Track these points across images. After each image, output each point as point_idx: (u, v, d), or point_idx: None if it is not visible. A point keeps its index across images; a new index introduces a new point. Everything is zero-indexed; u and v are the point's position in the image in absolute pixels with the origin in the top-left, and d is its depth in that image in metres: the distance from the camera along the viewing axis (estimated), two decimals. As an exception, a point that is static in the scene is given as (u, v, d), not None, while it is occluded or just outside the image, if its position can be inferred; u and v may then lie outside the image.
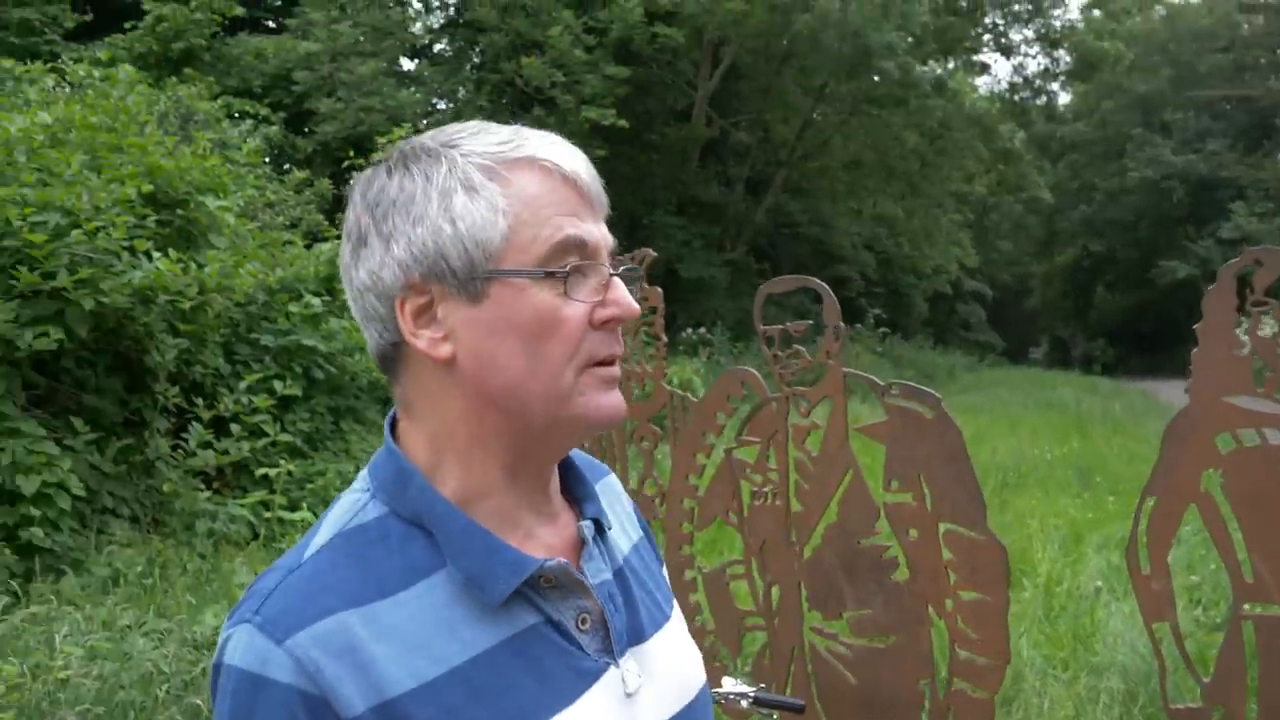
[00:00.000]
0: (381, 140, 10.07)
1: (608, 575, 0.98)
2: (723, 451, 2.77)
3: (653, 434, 3.53)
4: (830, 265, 27.03)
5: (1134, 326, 35.39)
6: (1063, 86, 35.80)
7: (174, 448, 6.03)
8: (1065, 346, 43.31)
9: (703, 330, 17.37)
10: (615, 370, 0.94)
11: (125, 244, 5.42)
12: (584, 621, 0.93)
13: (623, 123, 16.08)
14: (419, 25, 20.57)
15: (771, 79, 22.07)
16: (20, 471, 4.87)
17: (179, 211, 6.35)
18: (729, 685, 2.06)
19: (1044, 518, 7.35)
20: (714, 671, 2.98)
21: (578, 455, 1.06)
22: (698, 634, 3.05)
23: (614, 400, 0.93)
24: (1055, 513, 7.51)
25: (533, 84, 16.57)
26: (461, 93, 18.73)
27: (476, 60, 19.23)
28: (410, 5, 20.24)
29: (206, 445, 5.86)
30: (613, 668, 0.93)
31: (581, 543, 0.97)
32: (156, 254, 5.58)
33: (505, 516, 0.92)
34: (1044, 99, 33.83)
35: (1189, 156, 31.58)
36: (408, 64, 19.80)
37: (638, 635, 0.98)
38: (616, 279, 0.92)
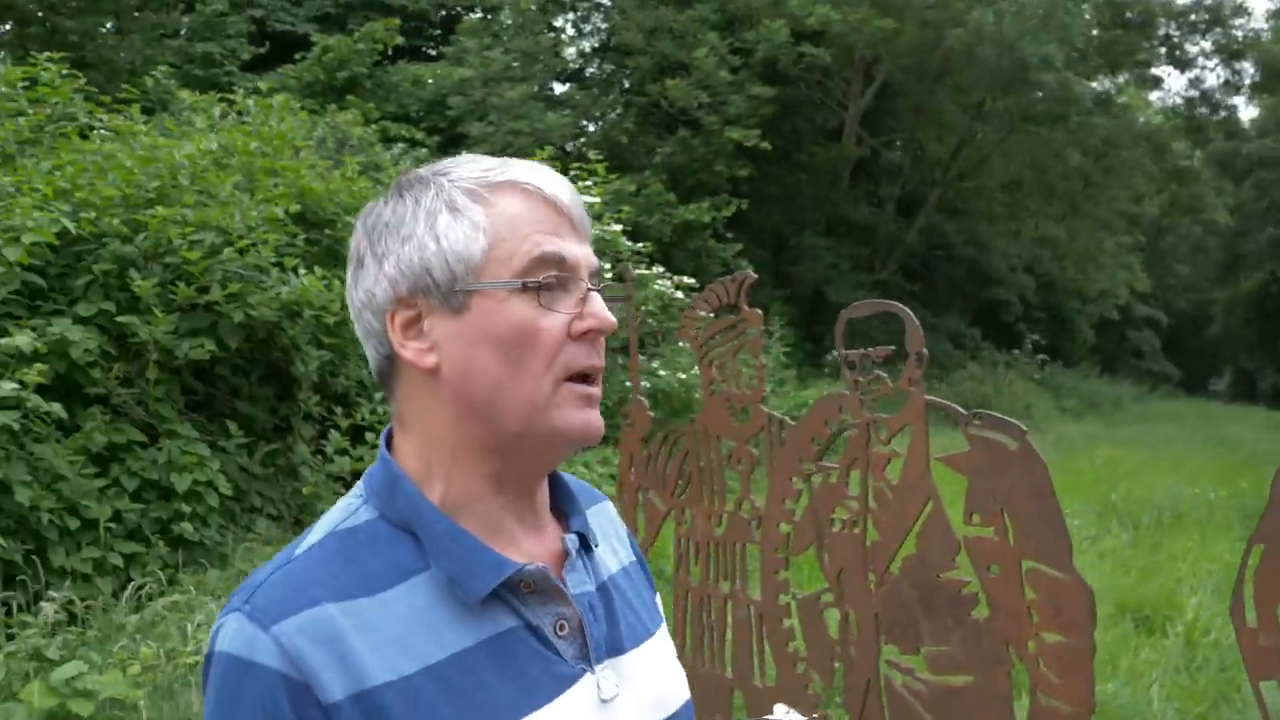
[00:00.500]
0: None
1: (590, 588, 1.01)
2: (806, 479, 2.73)
3: (749, 457, 3.51)
4: (987, 288, 26.16)
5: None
6: (1248, 100, 33.62)
7: (315, 453, 6.37)
8: (1250, 378, 40.52)
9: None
10: (594, 390, 0.97)
11: (274, 261, 5.77)
12: (562, 628, 0.95)
13: (765, 144, 16.02)
14: (571, 50, 21.10)
15: (925, 96, 21.59)
16: (175, 470, 5.24)
17: (326, 231, 6.72)
18: (780, 713, 2.03)
19: (1196, 561, 6.90)
20: (806, 699, 2.94)
21: (573, 481, 1.10)
22: (790, 660, 3.01)
23: (589, 417, 0.96)
24: (1210, 557, 7.02)
25: (677, 105, 16.73)
26: (609, 115, 19.05)
27: (625, 84, 19.55)
28: (563, 31, 20.78)
29: (343, 452, 6.15)
30: (588, 674, 0.96)
31: (565, 554, 1.00)
32: (303, 271, 5.92)
33: (491, 524, 0.95)
34: (1223, 114, 31.73)
35: (1393, 174, 29.13)
36: (560, 88, 20.32)
37: (616, 647, 1.01)
38: (594, 294, 0.96)
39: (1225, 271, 38.81)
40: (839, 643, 2.71)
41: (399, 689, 0.86)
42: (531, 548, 0.98)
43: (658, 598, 1.18)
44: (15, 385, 4.23)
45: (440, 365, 0.93)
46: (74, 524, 4.62)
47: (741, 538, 3.35)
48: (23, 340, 4.38)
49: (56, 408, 4.45)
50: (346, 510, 0.96)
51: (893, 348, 2.60)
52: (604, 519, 1.13)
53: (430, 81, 16.36)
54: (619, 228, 10.13)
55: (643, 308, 9.99)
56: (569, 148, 16.56)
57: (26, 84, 6.75)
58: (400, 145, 12.04)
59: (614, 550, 1.12)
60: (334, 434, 6.22)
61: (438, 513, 0.93)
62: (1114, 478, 10.56)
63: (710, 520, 3.43)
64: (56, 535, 4.53)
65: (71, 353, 4.84)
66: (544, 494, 1.03)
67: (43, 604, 3.97)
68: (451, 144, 16.22)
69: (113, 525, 4.85)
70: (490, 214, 0.93)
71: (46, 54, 6.91)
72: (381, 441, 1.00)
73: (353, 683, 0.84)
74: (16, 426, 4.25)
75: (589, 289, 0.96)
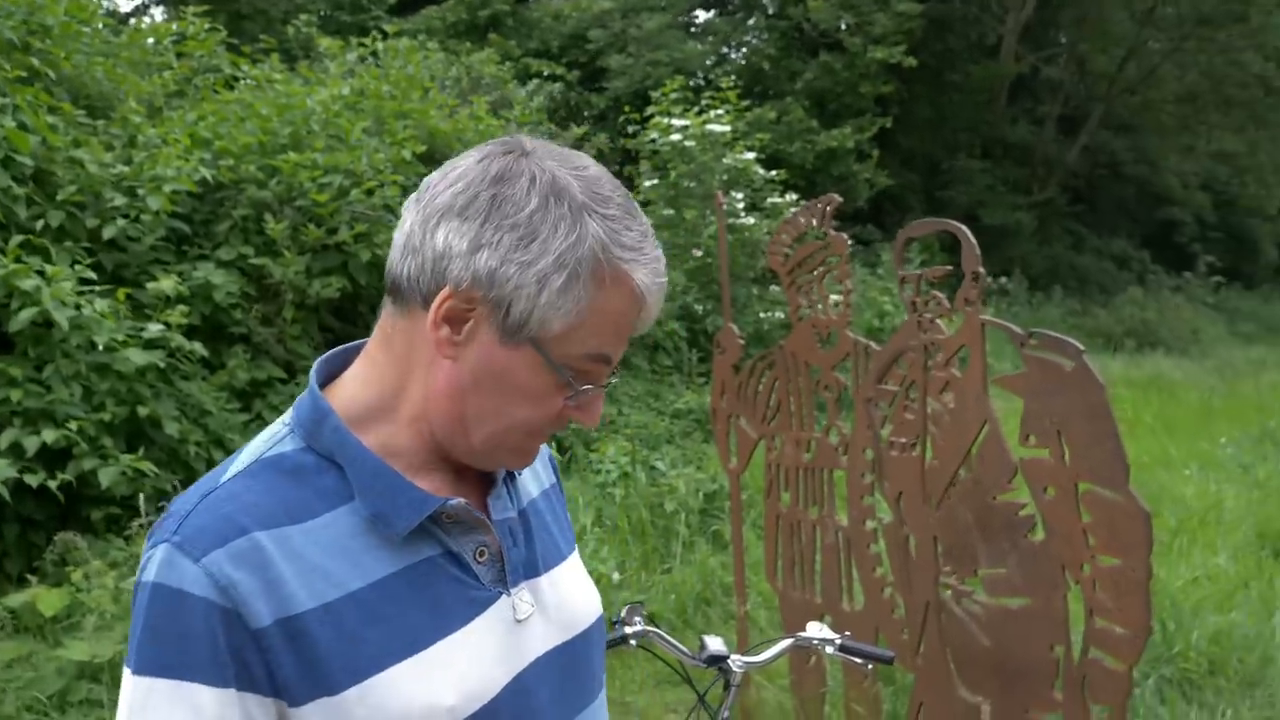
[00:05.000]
0: (655, 95, 10.34)
1: (512, 514, 1.06)
2: (863, 400, 2.72)
3: (836, 383, 3.51)
4: (1158, 207, 24.60)
5: None
6: None
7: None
8: None
9: (1002, 279, 16.49)
10: (545, 440, 1.05)
11: (400, 201, 6.02)
12: (482, 554, 1.00)
13: (912, 60, 15.42)
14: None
15: (1089, 5, 20.24)
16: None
17: (453, 171, 6.93)
18: (814, 630, 2.08)
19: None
20: (893, 624, 2.94)
21: None
22: (877, 585, 3.04)
23: (529, 460, 1.04)
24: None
25: (820, 26, 16.25)
26: (751, 41, 18.69)
27: (767, 8, 19.10)
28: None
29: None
30: (504, 596, 1.01)
31: (491, 483, 1.06)
32: (428, 211, 6.15)
33: (421, 462, 1.01)
34: None
35: None
36: (701, 15, 20.03)
37: (533, 569, 1.07)
38: (600, 394, 1.01)
39: None
40: (897, 567, 2.71)
41: (321, 615, 0.89)
42: (456, 478, 1.03)
43: (568, 514, 1.24)
44: (162, 327, 4.58)
45: (457, 361, 0.95)
46: (220, 456, 4.98)
47: (829, 463, 3.36)
48: (168, 284, 4.74)
49: (199, 347, 4.80)
50: (273, 439, 0.98)
51: (950, 267, 2.55)
52: None
53: (571, 15, 16.41)
54: (751, 156, 10.00)
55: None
56: (709, 76, 16.34)
57: (175, 38, 7.17)
58: (535, 81, 12.19)
59: (536, 474, 1.18)
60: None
61: (363, 449, 0.96)
62: (1275, 404, 9.91)
63: (799, 446, 3.45)
64: (204, 466, 4.90)
65: (214, 295, 5.20)
66: None
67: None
68: (591, 78, 16.32)
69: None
70: (594, 303, 0.93)
71: (192, 8, 7.31)
72: (313, 373, 1.02)
73: (279, 609, 0.88)
74: (164, 365, 4.60)
75: (601, 386, 1.00)
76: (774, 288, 9.75)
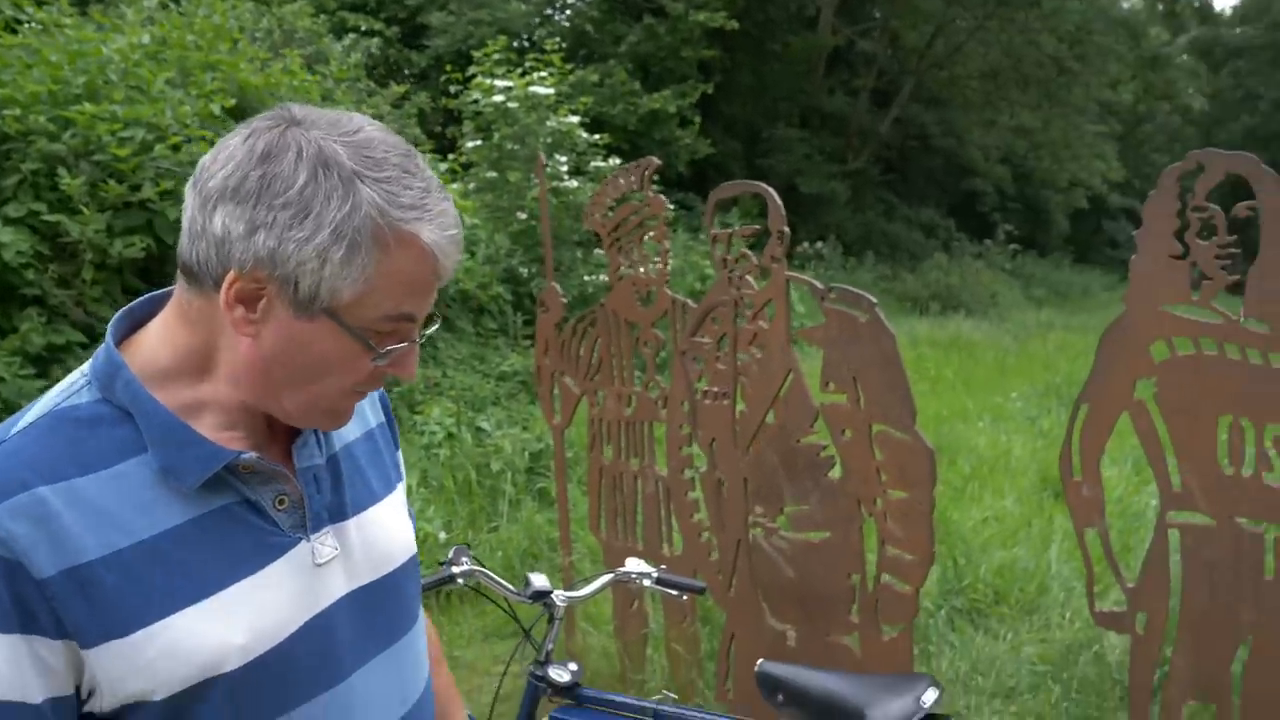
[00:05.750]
0: (477, 54, 10.21)
1: (319, 461, 1.09)
2: (680, 354, 2.84)
3: (655, 339, 3.62)
4: (963, 178, 26.03)
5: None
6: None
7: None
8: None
9: (819, 244, 17.15)
10: (360, 399, 1.07)
11: (209, 157, 5.77)
12: (281, 502, 1.02)
13: (734, 24, 15.75)
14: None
15: (900, -18, 21.18)
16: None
17: (267, 126, 6.67)
18: (633, 565, 2.19)
19: (1123, 437, 7.11)
20: (710, 566, 3.08)
21: None
22: (695, 531, 3.17)
23: (345, 419, 1.06)
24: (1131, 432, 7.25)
25: (644, -9, 16.39)
26: (575, 2, 18.63)
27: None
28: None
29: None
30: (304, 542, 1.04)
31: (297, 431, 1.08)
32: (240, 167, 5.91)
33: (226, 419, 1.02)
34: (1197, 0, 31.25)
35: (1368, 61, 28.87)
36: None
37: (340, 513, 1.09)
38: (414, 348, 1.02)
39: (1203, 160, 38.56)
40: (710, 508, 2.86)
41: (110, 562, 0.91)
42: (267, 427, 1.05)
43: (399, 454, 1.27)
44: (-56, 285, 4.26)
45: (258, 337, 0.96)
46: (15, 423, 4.70)
47: (649, 416, 3.48)
48: (-50, 239, 4.40)
49: (-13, 308, 4.48)
50: (69, 388, 0.99)
51: (758, 227, 2.69)
52: None
53: (389, -33, 15.92)
54: (575, 119, 10.03)
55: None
56: (533, 37, 16.22)
57: (-51, -23, 6.59)
58: (351, 36, 11.80)
59: (362, 413, 1.19)
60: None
61: (155, 403, 0.97)
62: (1059, 362, 10.78)
63: (620, 401, 3.55)
64: (-3, 432, 4.61)
65: (3, 254, 4.86)
66: None
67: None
68: (411, 34, 15.91)
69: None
70: (382, 267, 0.94)
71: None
72: (111, 325, 1.03)
73: (64, 559, 0.89)
74: (-51, 326, 4.28)
75: (415, 342, 1.01)
76: (598, 251, 9.84)
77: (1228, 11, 35.64)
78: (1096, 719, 3.61)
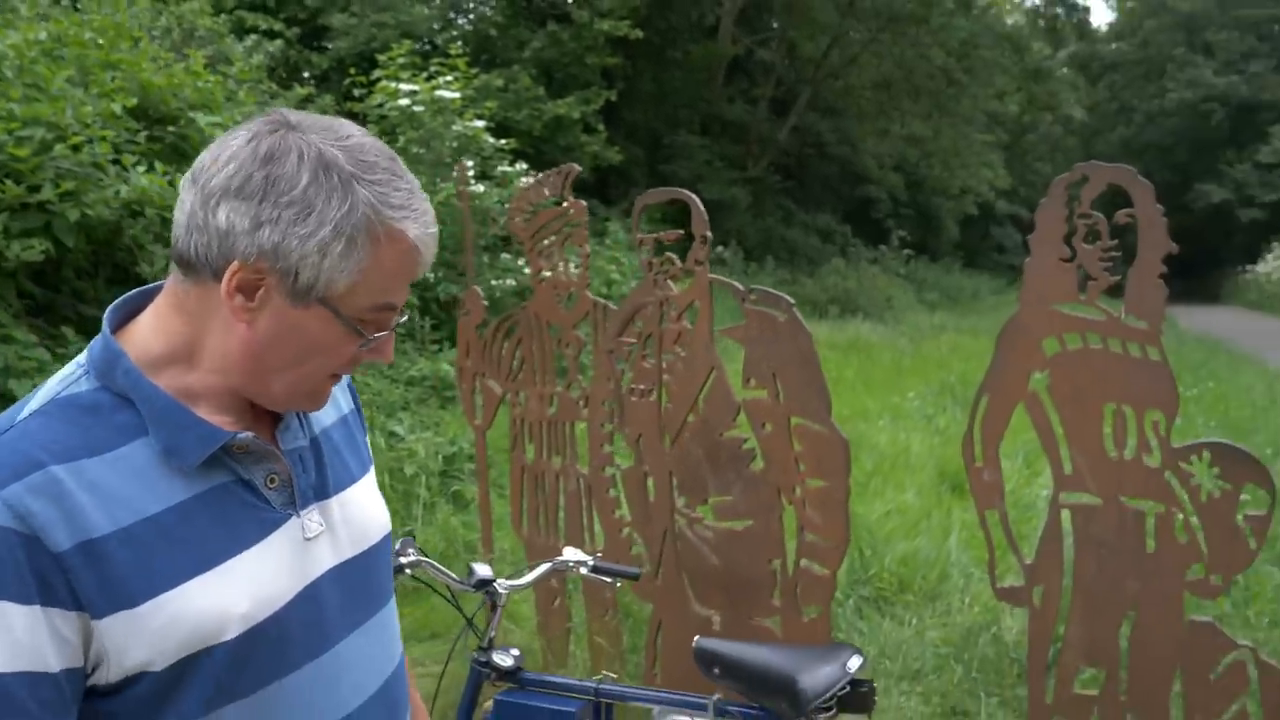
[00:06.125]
0: (382, 58, 10.15)
1: (303, 443, 1.17)
2: (606, 353, 2.95)
3: (577, 340, 3.72)
4: (858, 185, 26.78)
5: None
6: (1107, 3, 34.79)
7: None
8: (1100, 270, 42.50)
9: (720, 249, 17.45)
10: (339, 381, 1.17)
11: (113, 159, 5.63)
12: (272, 481, 1.10)
13: (638, 33, 15.95)
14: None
15: (797, -6, 21.70)
16: (13, 375, 5.16)
17: (170, 128, 6.54)
18: (570, 554, 2.29)
19: (1017, 433, 7.48)
20: (630, 560, 3.19)
21: None
22: (616, 526, 3.28)
23: (323, 402, 1.16)
24: (1026, 428, 7.63)
25: (548, -1, 16.46)
26: (479, 7, 18.59)
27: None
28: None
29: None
30: (294, 518, 1.12)
31: (279, 417, 1.16)
32: (144, 169, 5.79)
33: (217, 403, 1.09)
34: (1076, 17, 32.83)
35: (1230, 78, 30.77)
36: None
37: (323, 492, 1.18)
38: (391, 335, 1.12)
39: (1083, 169, 40.39)
40: (637, 501, 2.97)
41: (120, 538, 0.98)
42: (253, 412, 1.13)
43: (367, 438, 1.36)
44: None
45: (253, 324, 1.04)
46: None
47: (571, 416, 3.58)
48: None
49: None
50: (67, 380, 1.06)
51: (681, 231, 2.81)
52: None
53: (287, -31, 15.63)
54: (481, 124, 10.05)
55: (506, 205, 9.99)
56: (435, 41, 16.14)
57: None
58: (254, 37, 11.59)
59: (335, 401, 1.28)
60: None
61: (155, 388, 1.04)
62: (953, 362, 11.23)
63: (542, 401, 3.64)
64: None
65: (-106, 254, 4.68)
66: None
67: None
68: (313, 35, 15.67)
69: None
70: (373, 260, 1.04)
71: None
72: (106, 317, 1.09)
73: (77, 534, 0.96)
74: None
75: (393, 328, 1.11)
76: (505, 255, 9.88)
77: (1104, 28, 37.36)
78: (997, 695, 3.84)
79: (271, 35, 12.67)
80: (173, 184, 5.88)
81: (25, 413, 1.03)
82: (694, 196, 2.73)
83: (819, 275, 19.50)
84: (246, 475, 1.09)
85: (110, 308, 1.10)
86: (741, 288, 2.67)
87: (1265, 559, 5.09)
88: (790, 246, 21.92)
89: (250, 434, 1.08)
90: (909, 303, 20.27)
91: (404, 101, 9.48)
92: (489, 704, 2.09)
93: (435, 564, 2.02)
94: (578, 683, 2.13)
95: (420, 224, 1.07)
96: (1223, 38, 32.60)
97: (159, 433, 1.03)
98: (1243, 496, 2.31)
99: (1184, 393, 9.71)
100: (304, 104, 9.56)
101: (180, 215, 1.04)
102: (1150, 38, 34.42)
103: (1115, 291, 2.43)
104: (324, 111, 10.54)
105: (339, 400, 1.29)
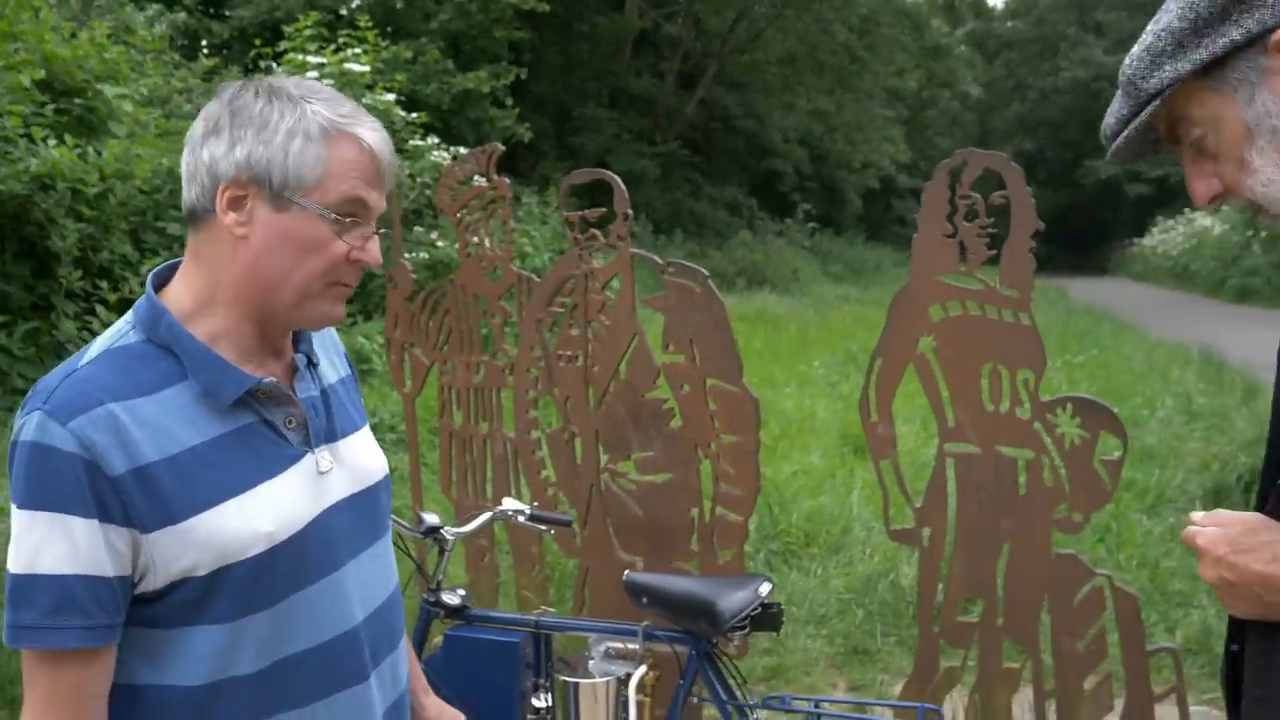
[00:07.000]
0: (289, 30, 10.07)
1: (315, 392, 1.37)
2: (534, 322, 3.16)
3: (502, 311, 3.91)
4: (764, 159, 27.21)
5: (1062, 225, 36.30)
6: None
7: (81, 330, 6.30)
8: (997, 242, 43.96)
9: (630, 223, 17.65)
10: (347, 291, 1.34)
11: (21, 132, 5.59)
12: (290, 422, 1.29)
13: (545, 6, 15.99)
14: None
15: (702, -32, 21.90)
16: (-78, 348, 5.14)
17: (77, 100, 6.48)
18: (508, 504, 2.51)
19: (912, 398, 7.90)
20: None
21: None
22: (542, 486, 3.49)
23: (336, 310, 1.33)
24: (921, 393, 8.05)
25: (454, -31, 16.35)
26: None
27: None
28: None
29: (112, 327, 6.11)
30: (309, 454, 1.30)
31: (296, 369, 1.36)
32: (54, 142, 5.75)
33: (243, 348, 1.28)
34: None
35: (1120, 57, 31.62)
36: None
37: (332, 435, 1.37)
38: (376, 236, 1.31)
39: (978, 144, 41.57)
40: (564, 458, 3.20)
41: (165, 465, 1.16)
42: (272, 365, 1.33)
43: (360, 399, 1.56)
44: None
45: (249, 238, 1.22)
46: None
47: (497, 383, 3.77)
48: None
49: None
50: (117, 334, 1.23)
51: (604, 209, 3.03)
52: (328, 342, 1.51)
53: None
54: (391, 97, 10.06)
55: (418, 179, 10.05)
56: (340, 11, 15.93)
57: None
58: (155, 7, 11.35)
59: (334, 365, 1.48)
60: (101, 309, 6.18)
61: (194, 339, 1.22)
62: (857, 332, 11.70)
63: (469, 369, 3.82)
64: None
65: None
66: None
67: None
68: (213, 4, 15.34)
69: None
70: (331, 154, 1.22)
71: None
72: (149, 280, 1.29)
73: (131, 461, 1.14)
74: None
75: (374, 232, 1.31)
76: (418, 228, 9.95)
77: (1000, 6, 38.49)
78: (894, 634, 4.19)
79: (171, 4, 12.40)
80: (83, 157, 5.86)
81: (84, 360, 1.21)
82: (617, 178, 2.95)
83: (726, 248, 19.88)
84: (269, 416, 1.27)
85: (152, 273, 1.30)
86: (661, 261, 2.91)
87: (1134, 509, 5.58)
88: (698, 219, 22.25)
89: (274, 379, 1.27)
90: (814, 275, 20.80)
91: (312, 75, 9.44)
92: (439, 639, 2.30)
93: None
94: (519, 616, 2.35)
95: (370, 128, 1.27)
96: (1112, 18, 33.95)
97: (199, 376, 1.22)
98: (1099, 444, 2.64)
99: (1071, 360, 10.39)
100: (208, 75, 9.44)
101: (183, 177, 1.25)
102: (1045, 16, 35.69)
103: (992, 264, 2.73)
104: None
105: (337, 365, 1.49)
